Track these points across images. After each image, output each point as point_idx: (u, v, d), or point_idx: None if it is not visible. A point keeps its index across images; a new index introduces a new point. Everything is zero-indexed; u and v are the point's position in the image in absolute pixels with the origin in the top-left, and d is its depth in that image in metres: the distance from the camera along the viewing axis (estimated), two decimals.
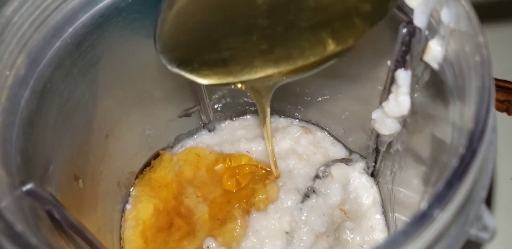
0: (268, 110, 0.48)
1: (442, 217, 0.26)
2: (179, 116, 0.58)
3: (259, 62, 0.42)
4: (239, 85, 0.43)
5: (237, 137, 0.60)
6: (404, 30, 0.38)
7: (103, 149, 0.50)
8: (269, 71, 0.42)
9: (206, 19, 0.42)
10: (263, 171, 0.56)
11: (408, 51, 0.39)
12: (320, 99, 0.59)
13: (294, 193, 0.55)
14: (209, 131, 0.61)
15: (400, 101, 0.42)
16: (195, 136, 0.61)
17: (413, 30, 0.38)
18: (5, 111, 0.35)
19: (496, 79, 0.72)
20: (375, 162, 0.54)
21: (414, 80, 0.41)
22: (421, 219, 0.25)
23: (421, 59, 0.38)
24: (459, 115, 0.33)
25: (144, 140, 0.56)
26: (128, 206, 0.56)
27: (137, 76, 0.50)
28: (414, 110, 0.43)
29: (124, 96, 0.50)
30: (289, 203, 0.54)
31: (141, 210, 0.55)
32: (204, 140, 0.60)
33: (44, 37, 0.39)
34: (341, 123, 0.58)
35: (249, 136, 0.60)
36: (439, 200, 0.25)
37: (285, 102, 0.61)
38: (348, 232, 0.54)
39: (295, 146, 0.58)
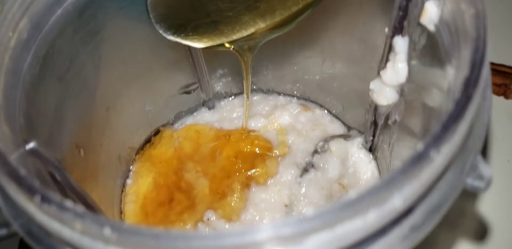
0: (250, 68, 0.50)
1: (439, 160, 0.26)
2: (179, 93, 0.58)
3: (247, 18, 0.44)
4: (228, 45, 0.46)
5: (237, 114, 0.60)
6: None
7: (104, 122, 0.50)
8: (257, 26, 0.44)
9: None
10: (262, 146, 0.57)
11: (405, 17, 0.40)
12: (318, 77, 0.59)
13: (293, 168, 0.55)
14: (209, 109, 0.61)
15: (398, 68, 0.43)
16: (195, 114, 0.61)
17: None
18: (9, 72, 0.36)
19: (494, 64, 0.73)
20: (373, 136, 0.54)
21: (411, 47, 0.42)
22: (417, 159, 0.25)
23: (418, 24, 0.39)
24: (454, 78, 0.34)
25: (145, 116, 0.57)
26: (128, 181, 0.56)
27: (138, 50, 0.50)
28: (411, 78, 0.44)
29: (125, 69, 0.50)
30: (289, 177, 0.54)
31: (141, 185, 0.56)
32: (204, 117, 0.61)
33: (45, 3, 0.39)
34: (340, 100, 0.59)
35: (249, 113, 0.60)
36: (435, 141, 0.25)
37: (284, 80, 0.61)
38: None
39: (294, 123, 0.59)
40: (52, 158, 0.37)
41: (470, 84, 0.27)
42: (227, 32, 0.45)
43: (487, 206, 0.59)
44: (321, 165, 0.56)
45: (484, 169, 0.30)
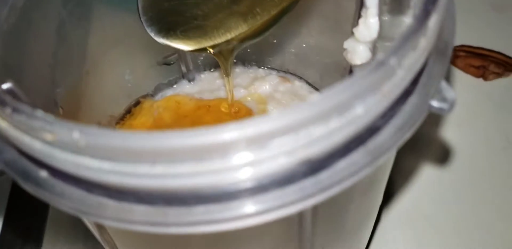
0: (230, 69, 0.54)
1: (400, 73, 0.27)
2: (159, 63, 0.59)
3: (230, 22, 0.48)
4: (210, 50, 0.50)
5: (217, 85, 0.61)
6: None
7: (84, 85, 0.51)
8: (240, 29, 0.48)
9: None
10: (243, 114, 0.57)
11: None
12: (296, 49, 0.60)
13: None
14: (189, 81, 0.62)
15: (369, 23, 0.44)
16: (175, 86, 0.62)
17: None
18: None
19: (472, 47, 0.74)
20: None
21: (382, 1, 0.43)
22: (377, 66, 0.26)
23: None
24: None
25: (124, 85, 0.57)
26: None
27: (119, 15, 0.51)
28: (383, 34, 0.45)
29: (104, 34, 0.51)
30: None
31: None
32: (184, 89, 0.61)
33: None
34: (317, 70, 0.60)
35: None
36: (395, 51, 0.26)
37: (263, 53, 0.62)
38: None
39: (274, 93, 0.60)
40: (29, 101, 0.37)
41: (429, 2, 0.28)
42: (213, 36, 0.48)
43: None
44: None
45: (448, 92, 0.30)
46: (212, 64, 0.63)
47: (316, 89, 0.61)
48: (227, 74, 0.55)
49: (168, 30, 0.48)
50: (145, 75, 0.59)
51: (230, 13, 0.49)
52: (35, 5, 0.42)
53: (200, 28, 0.49)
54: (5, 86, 0.35)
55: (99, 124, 0.55)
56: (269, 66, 0.63)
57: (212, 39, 0.49)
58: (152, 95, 0.61)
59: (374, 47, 0.46)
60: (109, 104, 0.56)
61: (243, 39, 0.50)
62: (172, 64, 0.59)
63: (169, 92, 0.61)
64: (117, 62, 0.54)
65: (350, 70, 0.51)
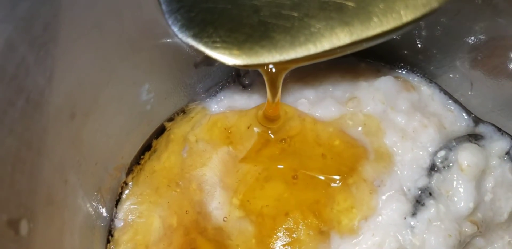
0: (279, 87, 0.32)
1: None
2: (197, 65, 0.34)
3: (319, 25, 0.28)
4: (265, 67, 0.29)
5: (293, 96, 0.36)
6: None
7: (68, 142, 0.26)
8: (336, 40, 0.28)
9: None
10: (346, 155, 0.34)
11: None
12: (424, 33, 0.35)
13: (400, 199, 0.33)
14: (244, 87, 0.37)
15: None
16: (222, 97, 0.37)
17: None
18: None
19: None
20: None
21: None
22: None
23: None
24: None
25: (140, 109, 0.33)
26: (118, 223, 0.33)
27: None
28: None
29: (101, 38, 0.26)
30: (394, 217, 0.32)
31: (141, 228, 0.34)
32: (236, 102, 0.37)
33: None
34: (466, 69, 0.35)
35: (311, 94, 0.36)
36: None
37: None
38: None
39: (391, 114, 0.35)
40: None
41: None
42: (283, 45, 0.28)
43: None
44: (444, 192, 0.33)
45: None
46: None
47: (457, 101, 0.37)
48: (273, 98, 0.32)
49: (205, 25, 0.26)
50: (174, 86, 0.34)
51: (322, 9, 0.27)
52: None
53: (262, 30, 0.27)
54: None
55: (100, 190, 0.31)
56: (377, 58, 0.38)
57: (280, 52, 0.27)
58: (184, 113, 0.37)
59: None
60: (115, 150, 0.33)
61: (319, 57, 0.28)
62: (216, 64, 0.34)
63: (212, 108, 0.37)
64: (127, 76, 0.29)
65: None
